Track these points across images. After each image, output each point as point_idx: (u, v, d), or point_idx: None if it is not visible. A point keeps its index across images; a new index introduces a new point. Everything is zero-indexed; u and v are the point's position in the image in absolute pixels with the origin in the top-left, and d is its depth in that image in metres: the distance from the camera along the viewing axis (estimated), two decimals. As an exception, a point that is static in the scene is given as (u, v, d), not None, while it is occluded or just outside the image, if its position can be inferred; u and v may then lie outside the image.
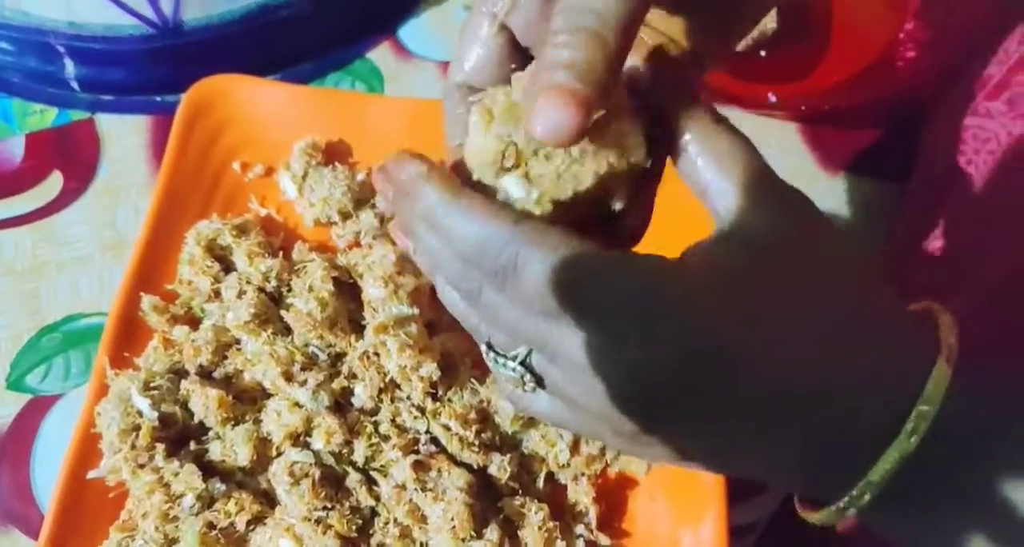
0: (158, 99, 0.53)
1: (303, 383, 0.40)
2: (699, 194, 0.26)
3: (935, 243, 0.44)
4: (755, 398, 0.24)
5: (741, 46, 0.52)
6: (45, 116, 0.53)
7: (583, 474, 0.40)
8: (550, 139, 0.22)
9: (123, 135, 0.53)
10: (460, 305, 0.27)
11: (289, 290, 0.43)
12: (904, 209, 0.49)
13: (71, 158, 0.52)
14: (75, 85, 0.53)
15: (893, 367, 0.25)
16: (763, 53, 0.53)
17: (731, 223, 0.25)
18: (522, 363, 0.26)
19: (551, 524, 0.38)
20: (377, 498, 0.39)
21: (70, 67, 0.52)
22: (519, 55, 0.27)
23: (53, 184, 0.51)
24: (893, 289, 0.27)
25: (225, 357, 0.42)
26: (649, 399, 0.24)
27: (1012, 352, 0.34)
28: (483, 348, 0.27)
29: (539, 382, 0.26)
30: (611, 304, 0.23)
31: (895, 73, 0.53)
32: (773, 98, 0.51)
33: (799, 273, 0.25)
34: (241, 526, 0.38)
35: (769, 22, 0.52)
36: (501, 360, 0.26)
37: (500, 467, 0.39)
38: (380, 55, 0.55)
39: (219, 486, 0.38)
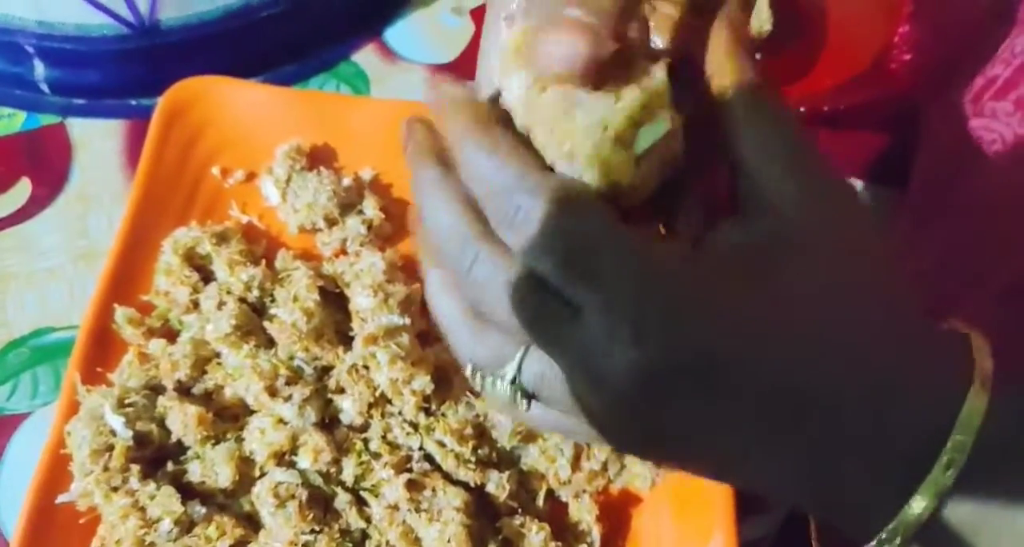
0: (133, 103, 0.51)
1: (288, 398, 0.38)
2: (732, 169, 0.24)
3: (938, 246, 0.43)
4: (755, 401, 0.22)
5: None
6: (13, 120, 0.51)
7: (585, 491, 0.38)
8: (562, 68, 0.22)
9: (96, 140, 0.50)
10: (449, 305, 0.26)
11: (272, 300, 0.42)
12: (902, 212, 0.48)
13: (41, 164, 0.50)
14: (45, 88, 0.51)
15: (922, 386, 0.23)
16: (758, 56, 0.52)
17: (759, 206, 0.23)
18: (512, 382, 0.24)
19: (552, 545, 0.36)
20: (368, 520, 0.37)
21: (40, 69, 0.50)
22: None
23: (21, 191, 0.49)
24: (922, 304, 0.25)
25: (204, 372, 0.40)
26: (641, 396, 0.22)
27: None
28: (468, 371, 0.25)
29: (532, 397, 0.25)
30: (615, 289, 0.22)
31: (891, 76, 0.52)
32: (770, 101, 0.50)
33: (825, 270, 0.23)
34: (223, 552, 0.36)
35: (765, 25, 0.51)
36: (489, 381, 0.25)
37: (498, 485, 0.37)
38: (365, 57, 0.54)
39: (199, 509, 0.36)
